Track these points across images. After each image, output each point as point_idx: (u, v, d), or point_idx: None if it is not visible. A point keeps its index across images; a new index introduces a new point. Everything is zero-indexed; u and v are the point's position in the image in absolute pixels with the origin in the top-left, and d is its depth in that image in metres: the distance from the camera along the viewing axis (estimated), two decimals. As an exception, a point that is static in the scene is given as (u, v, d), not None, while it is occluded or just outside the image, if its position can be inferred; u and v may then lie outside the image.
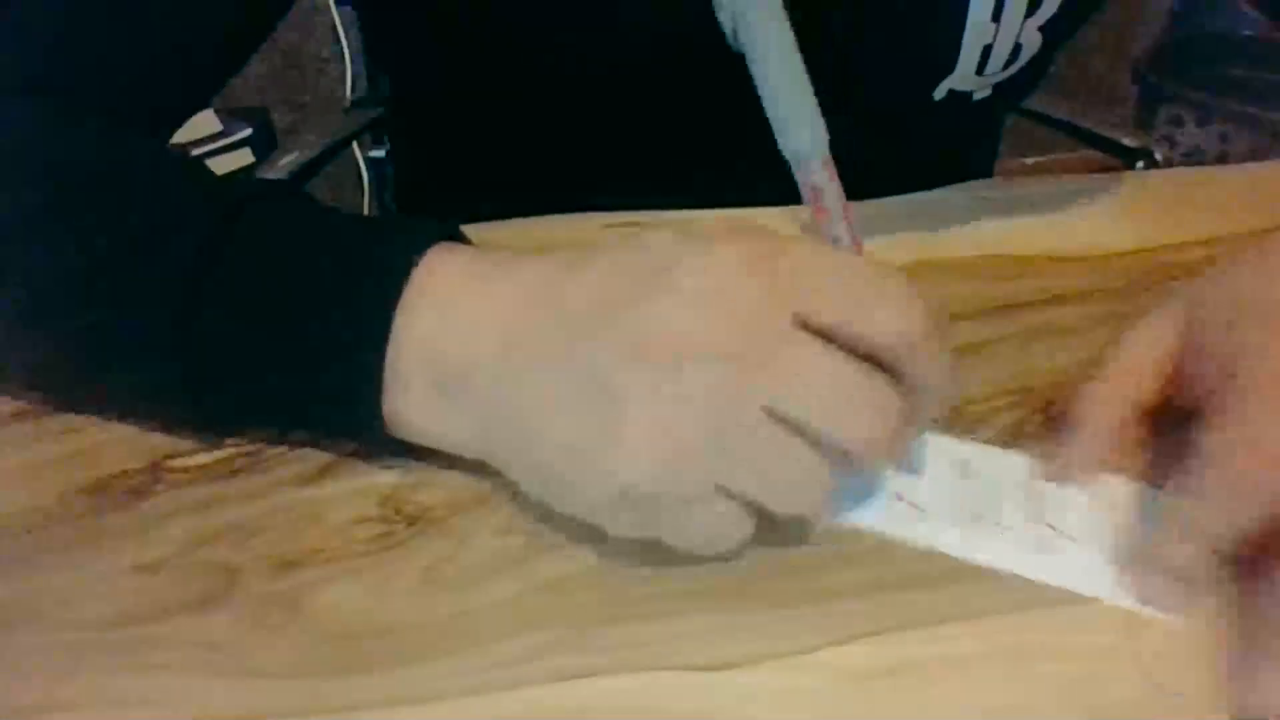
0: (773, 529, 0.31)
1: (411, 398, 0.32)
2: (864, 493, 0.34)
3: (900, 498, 0.34)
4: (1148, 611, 0.30)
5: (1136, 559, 0.31)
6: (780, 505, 0.30)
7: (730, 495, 0.29)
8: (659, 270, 0.30)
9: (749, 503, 0.29)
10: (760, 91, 0.30)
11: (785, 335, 0.28)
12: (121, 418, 0.37)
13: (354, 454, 0.36)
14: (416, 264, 0.32)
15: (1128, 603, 0.30)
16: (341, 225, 0.35)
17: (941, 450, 0.36)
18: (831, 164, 0.31)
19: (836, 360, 0.28)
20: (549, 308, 0.31)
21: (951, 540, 0.32)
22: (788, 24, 0.29)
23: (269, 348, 0.33)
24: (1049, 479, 0.35)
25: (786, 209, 0.45)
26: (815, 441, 0.29)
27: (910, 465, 0.34)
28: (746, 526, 0.30)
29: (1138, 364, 0.36)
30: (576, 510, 0.31)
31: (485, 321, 0.32)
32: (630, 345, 0.29)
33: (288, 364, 0.33)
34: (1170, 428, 0.35)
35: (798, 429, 0.28)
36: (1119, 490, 0.34)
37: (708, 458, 0.28)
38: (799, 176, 0.31)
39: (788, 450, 0.29)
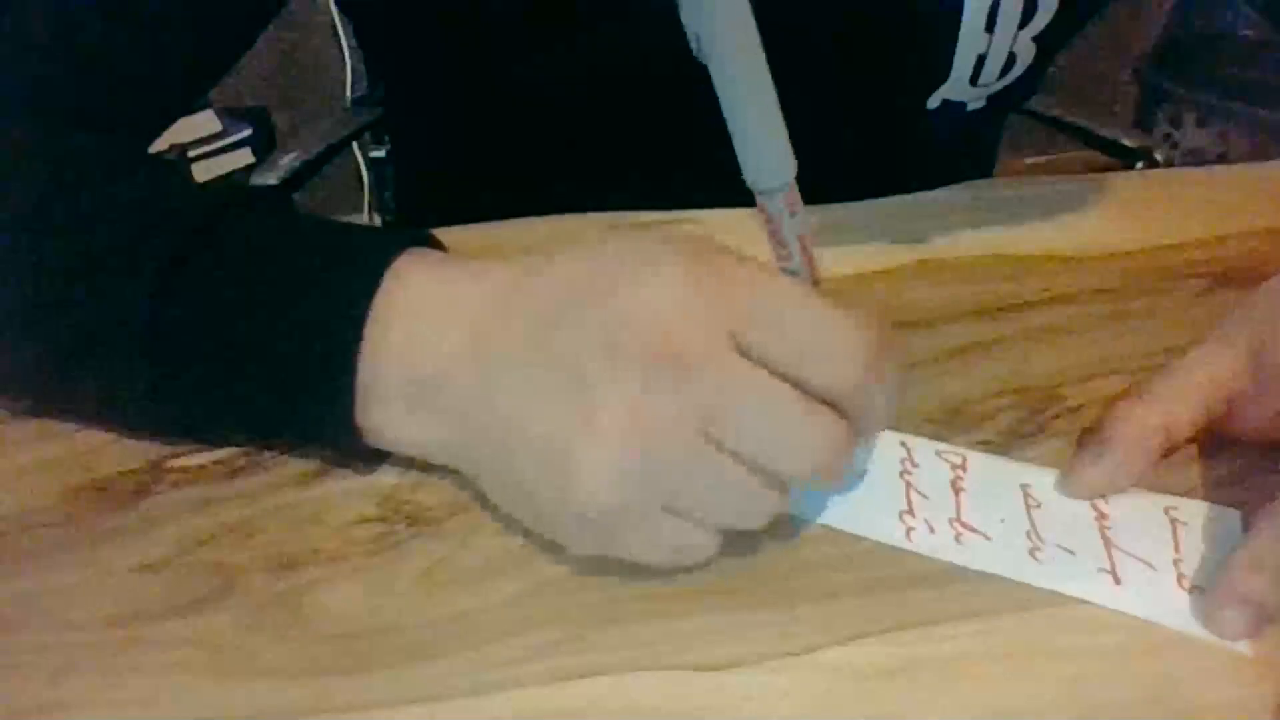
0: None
1: (387, 410, 0.32)
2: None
3: (964, 525, 0.33)
4: (1214, 639, 0.29)
5: (1207, 586, 0.31)
6: (726, 522, 0.30)
7: (679, 513, 0.29)
8: (618, 275, 0.29)
9: (699, 521, 0.29)
10: (723, 109, 0.29)
11: (723, 364, 0.28)
12: (101, 426, 0.37)
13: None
14: (385, 275, 0.32)
15: (1195, 630, 0.30)
16: (310, 236, 0.35)
17: (1002, 474, 0.35)
18: (795, 194, 0.30)
19: (775, 391, 0.28)
20: (514, 310, 0.31)
21: (1016, 568, 0.32)
22: (757, 43, 0.27)
23: (238, 363, 0.33)
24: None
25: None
26: (755, 469, 0.28)
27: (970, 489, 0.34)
28: (705, 541, 0.30)
29: (1181, 389, 0.35)
30: (540, 522, 0.31)
31: (454, 330, 0.32)
32: (604, 338, 0.28)
33: (258, 380, 0.33)
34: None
35: (733, 453, 0.28)
36: (1191, 513, 0.33)
37: (652, 479, 0.28)
38: (758, 200, 0.30)
39: (726, 476, 0.28)
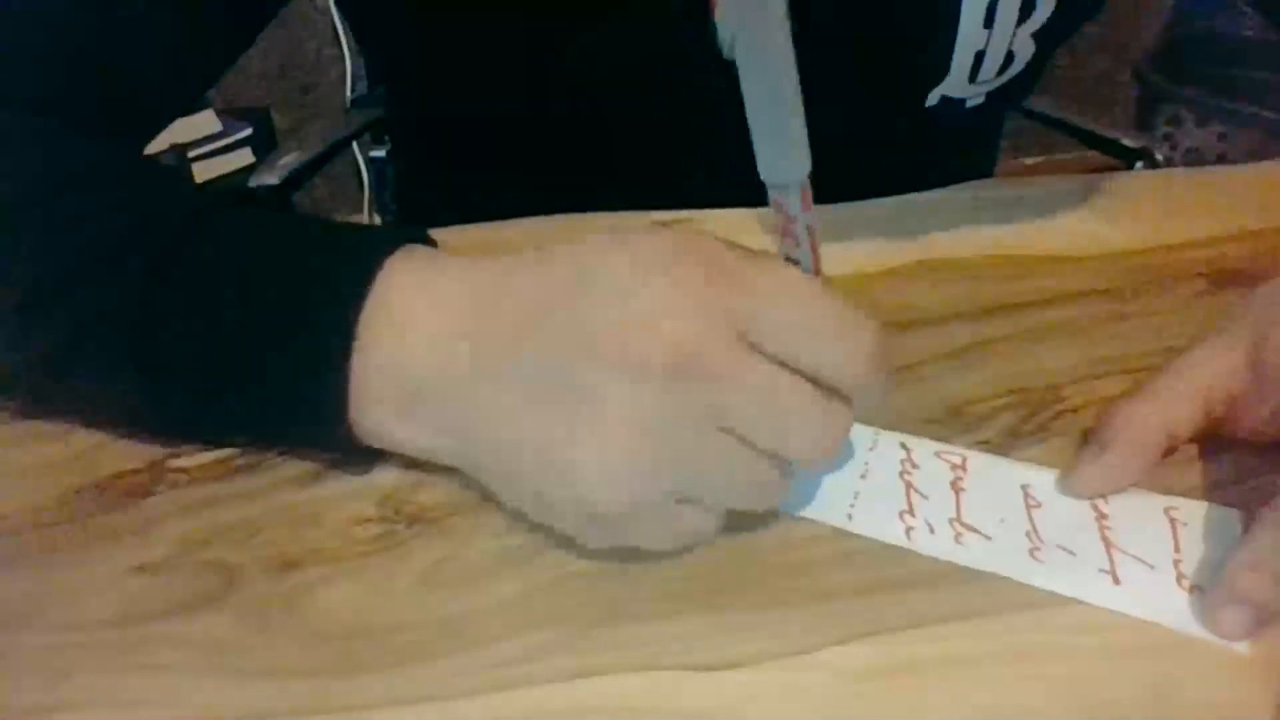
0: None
1: (381, 411, 0.32)
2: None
3: (964, 525, 0.33)
4: (1214, 639, 0.29)
5: (1207, 586, 0.31)
6: (738, 506, 0.31)
7: (689, 501, 0.30)
8: (596, 272, 0.30)
9: (709, 506, 0.30)
10: (747, 108, 0.29)
11: (730, 354, 0.28)
12: (96, 427, 0.37)
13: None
14: (376, 276, 0.32)
15: (1195, 630, 0.30)
16: (300, 236, 0.35)
17: (1002, 474, 0.35)
18: (808, 190, 0.31)
19: (786, 387, 0.29)
20: (497, 310, 0.31)
21: (1016, 568, 0.32)
22: (790, 46, 0.28)
23: (227, 365, 0.33)
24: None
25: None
26: (763, 452, 0.29)
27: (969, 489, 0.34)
28: (713, 523, 0.31)
29: (1181, 389, 0.35)
30: (549, 519, 0.31)
31: (441, 333, 0.32)
32: (582, 343, 0.29)
33: (248, 382, 0.33)
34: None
35: (744, 441, 0.29)
36: (1191, 513, 0.33)
37: (662, 477, 0.29)
38: (770, 195, 0.31)
39: (736, 461, 0.29)
